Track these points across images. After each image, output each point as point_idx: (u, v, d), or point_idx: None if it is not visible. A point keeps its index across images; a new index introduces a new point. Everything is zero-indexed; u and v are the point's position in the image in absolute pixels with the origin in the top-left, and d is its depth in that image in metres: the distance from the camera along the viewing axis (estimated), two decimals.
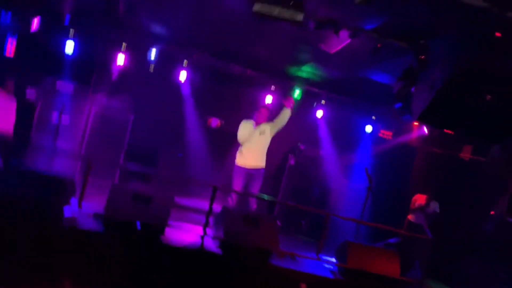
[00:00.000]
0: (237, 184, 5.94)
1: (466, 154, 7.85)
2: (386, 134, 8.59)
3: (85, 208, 4.64)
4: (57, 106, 6.65)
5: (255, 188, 6.04)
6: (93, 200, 5.18)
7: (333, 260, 5.24)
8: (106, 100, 7.56)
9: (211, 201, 4.68)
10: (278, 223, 5.49)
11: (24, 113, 6.81)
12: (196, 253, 4.50)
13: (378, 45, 4.77)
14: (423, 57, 4.67)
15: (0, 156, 4.83)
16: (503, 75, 4.54)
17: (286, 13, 4.10)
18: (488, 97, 4.51)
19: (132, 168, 6.55)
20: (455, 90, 4.54)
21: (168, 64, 7.76)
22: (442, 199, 7.34)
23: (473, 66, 4.46)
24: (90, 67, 7.74)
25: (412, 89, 5.14)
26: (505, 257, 6.71)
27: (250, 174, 6.02)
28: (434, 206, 7.31)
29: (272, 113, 6.44)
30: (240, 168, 5.97)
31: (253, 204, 6.02)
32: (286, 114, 6.11)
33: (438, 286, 6.56)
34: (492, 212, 7.40)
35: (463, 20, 4.22)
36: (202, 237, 4.60)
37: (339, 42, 5.05)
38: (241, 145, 6.07)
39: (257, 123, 6.09)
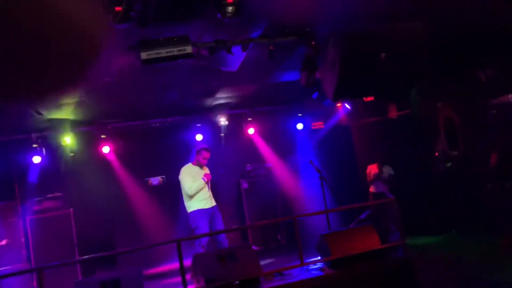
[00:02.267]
0: (204, 227, 5.77)
1: (393, 113, 8.34)
2: (317, 124, 8.90)
3: None
4: None
5: (221, 224, 5.93)
6: None
7: (318, 258, 5.24)
8: (38, 204, 7.12)
9: (180, 256, 4.50)
10: (255, 248, 5.41)
11: None
12: None
13: (271, 48, 4.97)
14: (313, 43, 4.93)
15: None
16: (386, 34, 4.93)
17: (174, 51, 4.17)
18: (382, 55, 4.85)
19: (89, 258, 6.15)
20: (353, 61, 4.84)
21: (87, 143, 7.52)
22: (391, 161, 7.68)
23: (359, 35, 4.81)
24: (9, 180, 7.29)
25: (317, 75, 5.41)
26: (464, 189, 7.10)
27: (213, 213, 5.90)
28: (387, 170, 7.65)
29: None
30: (202, 211, 5.81)
31: (225, 240, 5.89)
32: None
33: (419, 240, 6.78)
34: (436, 154, 7.85)
35: None
36: None
37: (237, 58, 5.21)
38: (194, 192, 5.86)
39: (203, 165, 6.01)
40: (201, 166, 5.98)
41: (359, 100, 7.66)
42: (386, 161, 7.71)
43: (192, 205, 5.81)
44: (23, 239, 6.93)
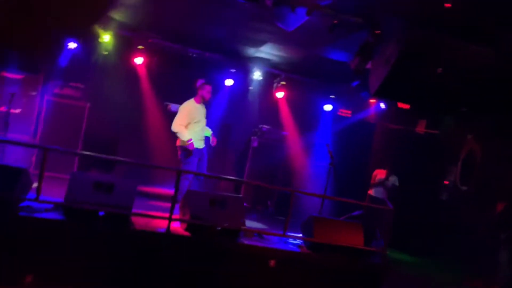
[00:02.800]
0: (194, 166, 5.86)
1: (421, 128, 8.22)
2: (345, 112, 8.81)
3: (44, 199, 4.44)
4: (5, 96, 6.29)
5: (205, 166, 6.02)
6: (52, 193, 4.98)
7: (300, 235, 5.35)
8: (59, 88, 7.24)
9: (176, 185, 4.61)
10: (245, 204, 5.51)
11: None
12: (163, 236, 4.45)
13: (335, 22, 4.83)
14: (378, 32, 4.78)
15: None
16: (451, 49, 4.76)
17: None
18: (439, 70, 4.71)
19: (91, 156, 6.31)
20: (408, 64, 4.71)
21: (123, 49, 7.52)
22: (400, 173, 7.65)
23: (423, 40, 4.65)
24: (39, 55, 7.36)
25: (369, 65, 5.28)
26: (459, 224, 7.12)
27: (202, 153, 5.97)
28: (393, 179, 7.61)
29: None
30: (196, 150, 5.85)
31: (202, 183, 6.00)
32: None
33: (399, 255, 6.88)
34: (446, 182, 7.81)
35: None
36: (169, 221, 4.54)
37: (297, 19, 5.08)
38: (190, 126, 5.85)
39: (207, 100, 5.94)
40: (205, 102, 5.93)
41: (395, 103, 7.52)
42: (396, 171, 7.67)
43: (194, 143, 5.84)
44: (35, 115, 7.11)
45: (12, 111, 5.96)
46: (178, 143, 5.93)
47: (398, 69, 4.68)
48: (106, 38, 7.28)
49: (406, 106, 7.58)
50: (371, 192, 7.68)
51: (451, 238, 7.04)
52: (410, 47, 4.68)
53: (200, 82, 5.99)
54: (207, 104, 6.13)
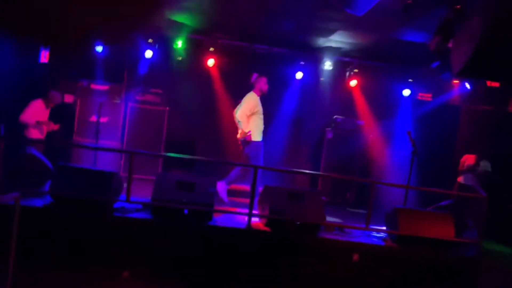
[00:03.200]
0: (261, 159, 5.90)
1: None
2: (425, 96, 8.27)
3: (134, 200, 4.77)
4: (95, 106, 6.86)
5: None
6: (140, 194, 5.36)
7: (384, 228, 5.13)
8: (141, 95, 7.73)
9: (254, 181, 4.67)
10: (323, 198, 5.43)
11: (64, 116, 7.12)
12: (244, 232, 4.54)
13: (409, 1, 4.52)
14: (458, 6, 4.39)
15: (45, 158, 5.04)
16: None
17: None
18: None
19: (173, 157, 6.65)
20: (497, 38, 4.25)
21: (195, 52, 7.81)
22: (493, 157, 7.00)
23: None
24: (121, 65, 7.93)
25: (450, 44, 4.88)
26: None
27: (261, 146, 6.01)
28: (485, 165, 7.00)
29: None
30: (260, 143, 5.90)
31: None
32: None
33: (495, 247, 6.31)
34: None
35: None
36: (249, 217, 4.63)
37: (367, 2, 4.85)
38: (255, 119, 5.89)
39: (264, 93, 5.95)
40: (263, 94, 5.93)
41: (482, 82, 6.89)
42: (487, 155, 7.04)
43: (255, 133, 5.89)
44: (121, 122, 7.67)
45: (101, 119, 6.48)
46: (239, 135, 6.00)
47: (486, 45, 4.25)
48: (179, 44, 7.61)
49: (495, 84, 6.91)
50: (461, 179, 7.14)
51: None
52: (498, 18, 4.22)
53: (254, 75, 6.03)
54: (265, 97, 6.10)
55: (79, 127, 7.45)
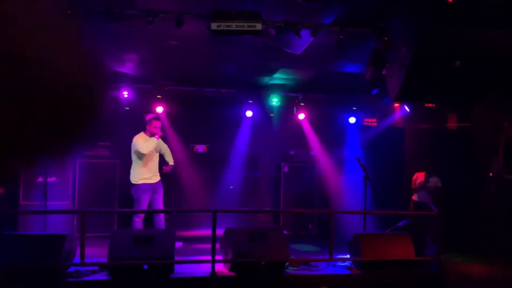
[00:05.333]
0: (145, 202, 5.81)
1: (452, 123, 7.93)
2: (370, 121, 8.65)
3: (89, 261, 4.52)
4: (40, 166, 6.56)
5: (161, 201, 5.97)
6: (98, 252, 5.11)
7: (348, 256, 5.18)
8: (89, 150, 7.50)
9: (214, 225, 4.60)
10: (285, 232, 5.42)
11: (7, 180, 6.72)
12: (209, 281, 4.41)
13: (341, 37, 4.81)
14: (385, 38, 4.73)
15: None
16: (466, 38, 4.62)
17: (244, 26, 4.13)
18: (457, 63, 4.57)
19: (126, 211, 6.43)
20: (424, 63, 4.59)
21: (142, 101, 7.76)
22: (441, 172, 7.36)
23: (435, 37, 4.54)
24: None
25: (384, 72, 5.20)
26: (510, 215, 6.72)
27: (154, 188, 5.94)
28: (435, 180, 7.33)
29: None
30: (144, 185, 5.82)
31: (162, 219, 5.89)
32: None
33: (454, 258, 6.52)
34: (490, 174, 7.43)
35: None
36: (212, 263, 4.51)
37: (303, 42, 5.10)
38: (142, 161, 5.85)
39: (155, 135, 5.91)
40: (152, 136, 5.93)
41: (419, 104, 7.34)
42: (435, 171, 7.40)
43: (139, 175, 5.84)
44: (71, 179, 7.36)
45: (49, 179, 6.19)
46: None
47: (415, 70, 4.57)
48: (125, 94, 7.56)
49: (431, 104, 7.37)
50: (414, 197, 7.42)
51: (504, 232, 6.63)
52: (422, 46, 4.57)
53: (148, 116, 6.03)
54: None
55: (25, 189, 7.05)
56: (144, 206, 5.78)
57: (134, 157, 5.91)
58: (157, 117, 6.13)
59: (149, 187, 5.86)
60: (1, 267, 4.09)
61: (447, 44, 4.61)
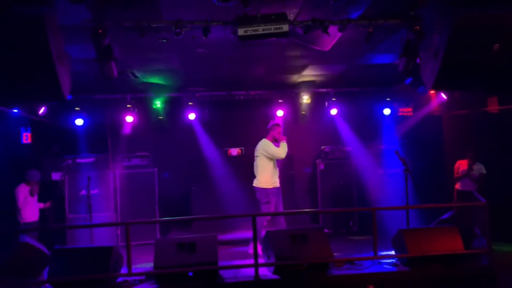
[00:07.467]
0: (273, 206, 5.89)
1: (493, 106, 7.58)
2: (406, 111, 8.41)
3: (136, 271, 4.64)
4: (83, 180, 6.81)
5: (282, 205, 6.04)
6: (142, 260, 5.24)
7: (393, 253, 5.05)
8: (127, 160, 7.71)
9: (254, 230, 4.60)
10: (326, 231, 5.36)
11: (54, 195, 7.05)
12: (254, 285, 4.42)
13: (370, 30, 4.69)
14: (417, 27, 4.57)
15: (40, 243, 4.92)
16: (502, 20, 4.39)
17: (271, 28, 4.11)
18: (496, 46, 4.36)
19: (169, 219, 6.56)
20: (459, 49, 4.42)
21: (175, 108, 7.91)
22: (484, 159, 7.06)
23: (469, 21, 4.34)
24: (103, 135, 7.96)
25: (418, 61, 5.03)
26: None
27: (279, 193, 6.01)
28: (479, 168, 7.04)
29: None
30: (274, 189, 5.93)
31: (283, 221, 5.95)
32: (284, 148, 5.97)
33: (504, 249, 6.24)
34: None
35: None
36: (256, 268, 4.52)
37: (331, 38, 5.02)
38: (272, 166, 5.94)
39: (279, 140, 6.00)
40: (276, 141, 5.97)
41: (457, 91, 7.06)
42: (478, 158, 7.09)
43: (267, 180, 5.89)
44: (112, 191, 7.59)
45: (92, 192, 6.42)
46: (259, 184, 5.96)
47: (451, 57, 4.40)
48: (158, 104, 7.73)
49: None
50: (458, 186, 7.16)
51: None
52: (458, 31, 4.39)
53: (270, 124, 6.13)
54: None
55: (71, 203, 7.34)
56: (273, 209, 5.90)
57: (263, 162, 5.95)
58: (278, 123, 6.22)
59: (277, 191, 6.00)
60: (54, 279, 4.27)
61: (483, 27, 4.41)
